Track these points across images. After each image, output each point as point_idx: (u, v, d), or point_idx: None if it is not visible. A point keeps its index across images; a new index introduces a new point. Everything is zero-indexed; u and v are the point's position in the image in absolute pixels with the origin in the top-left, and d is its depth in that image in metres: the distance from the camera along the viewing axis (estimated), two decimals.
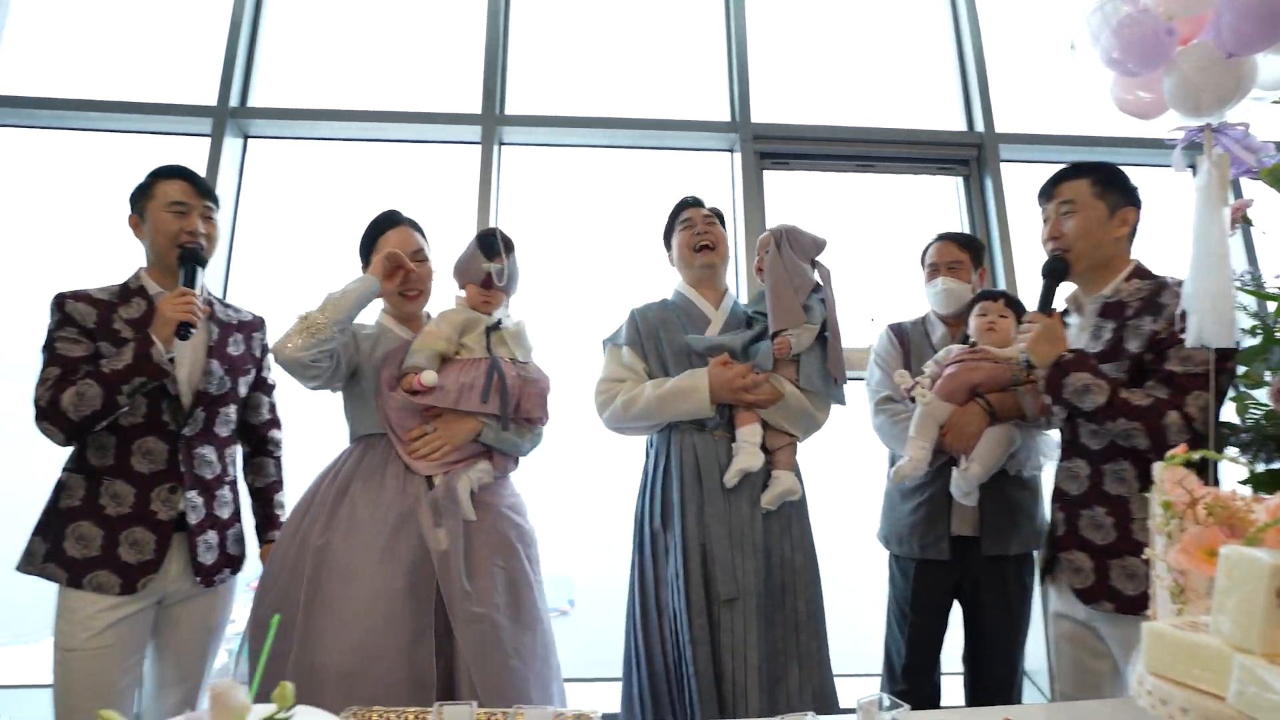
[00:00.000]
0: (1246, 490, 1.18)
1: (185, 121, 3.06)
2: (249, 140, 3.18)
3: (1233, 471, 1.46)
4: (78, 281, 1.75)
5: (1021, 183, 3.23)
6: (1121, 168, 1.66)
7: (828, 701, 1.78)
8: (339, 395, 1.85)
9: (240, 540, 1.87)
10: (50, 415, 1.56)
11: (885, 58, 3.50)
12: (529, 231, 3.20)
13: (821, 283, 2.00)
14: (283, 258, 3.18)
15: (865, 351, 3.06)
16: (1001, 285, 3.06)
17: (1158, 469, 0.82)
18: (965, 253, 2.22)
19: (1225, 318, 1.23)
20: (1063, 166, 1.70)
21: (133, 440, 1.66)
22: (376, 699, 1.34)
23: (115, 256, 1.89)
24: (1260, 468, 1.39)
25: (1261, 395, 1.37)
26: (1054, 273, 1.62)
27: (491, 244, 1.82)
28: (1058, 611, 1.67)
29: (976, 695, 2.00)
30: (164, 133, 3.11)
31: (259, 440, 1.98)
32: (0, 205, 3.09)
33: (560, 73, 3.31)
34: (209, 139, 2.99)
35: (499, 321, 1.82)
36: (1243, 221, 1.51)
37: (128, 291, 1.73)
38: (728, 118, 3.25)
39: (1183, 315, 1.33)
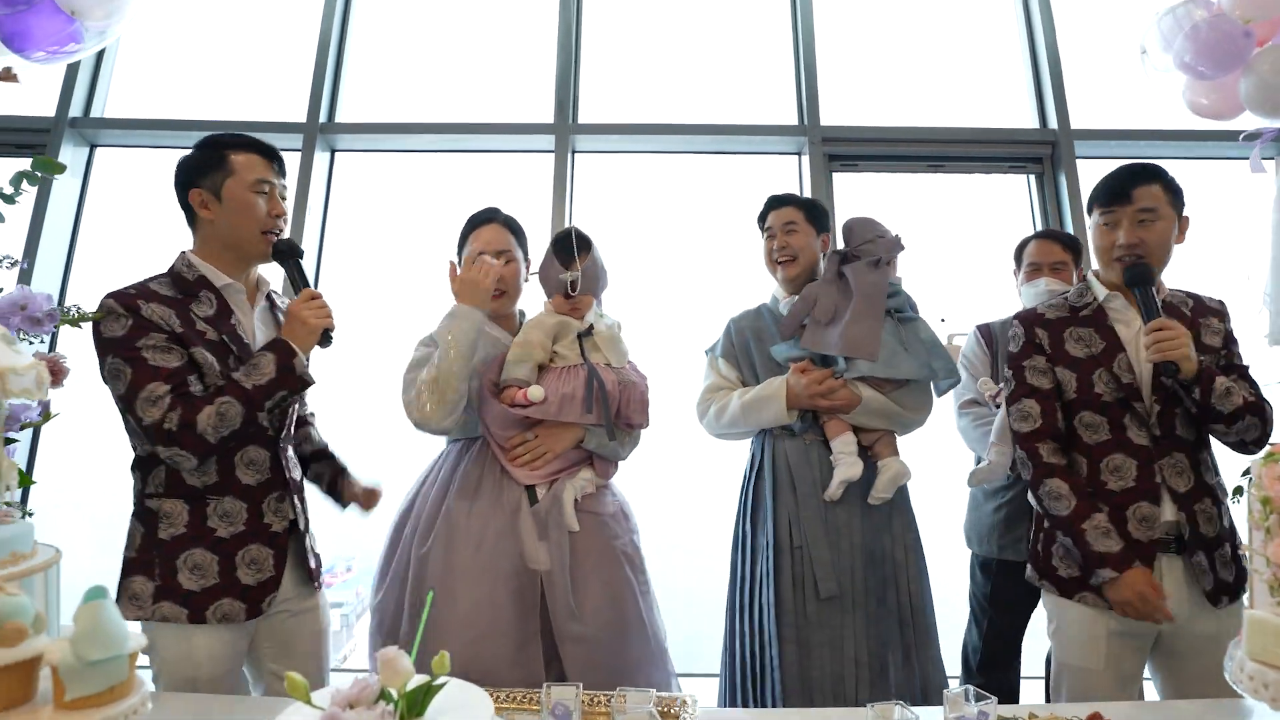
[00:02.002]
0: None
1: (278, 138, 3.25)
2: (335, 154, 3.36)
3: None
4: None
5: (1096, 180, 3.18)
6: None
7: (938, 694, 1.80)
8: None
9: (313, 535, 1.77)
10: (183, 440, 1.36)
11: (954, 56, 3.46)
12: (603, 236, 3.32)
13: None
14: (368, 265, 3.34)
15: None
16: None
17: (1256, 466, 0.84)
18: (1069, 253, 2.19)
19: None
20: (1124, 166, 1.65)
21: (235, 452, 1.48)
22: None
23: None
24: None
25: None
26: (1145, 279, 1.58)
27: (567, 250, 1.75)
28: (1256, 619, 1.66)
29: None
30: None
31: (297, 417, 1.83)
32: (101, 220, 3.30)
33: (630, 81, 3.38)
34: (299, 153, 3.19)
35: (591, 326, 1.79)
36: None
37: (186, 283, 1.50)
38: (795, 121, 3.28)
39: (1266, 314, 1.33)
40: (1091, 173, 3.22)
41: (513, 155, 3.34)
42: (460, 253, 1.86)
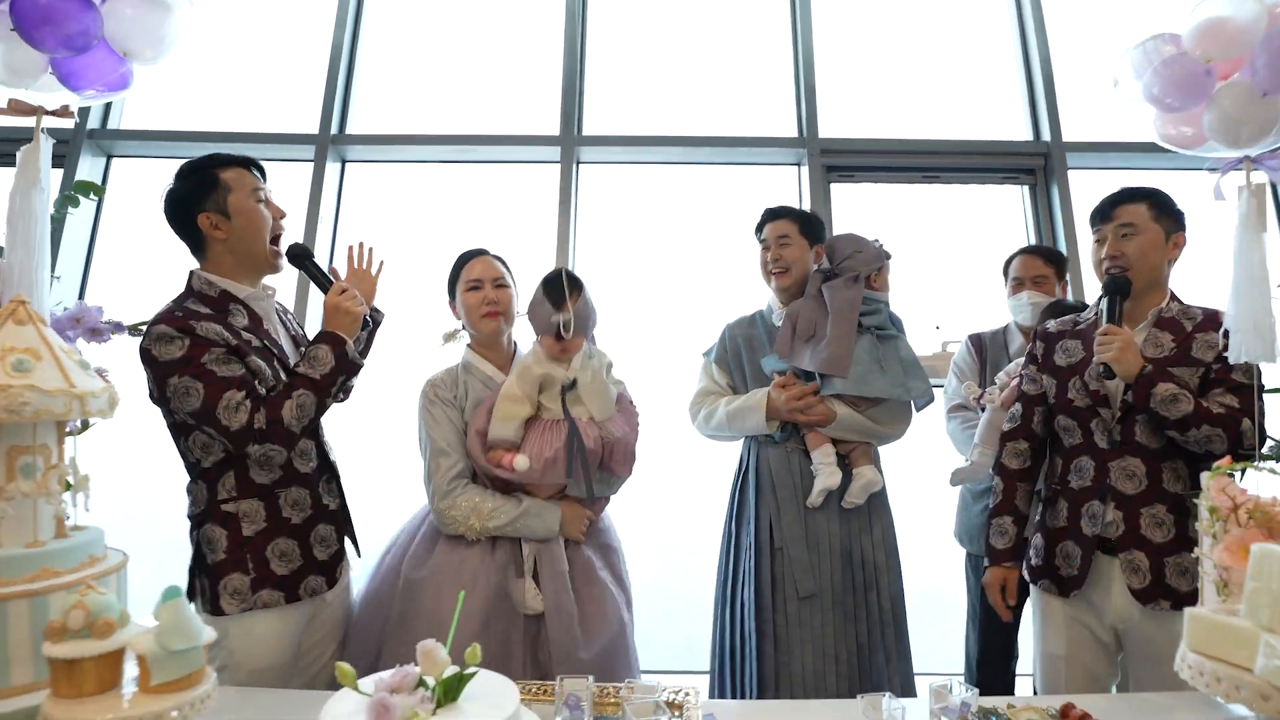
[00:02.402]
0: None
1: (292, 149, 3.35)
2: (346, 164, 3.45)
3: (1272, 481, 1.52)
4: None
5: (1089, 191, 3.25)
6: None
7: (913, 689, 1.91)
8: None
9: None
10: (274, 434, 1.47)
11: (949, 69, 3.55)
12: (606, 244, 3.43)
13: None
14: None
15: (931, 358, 3.17)
16: (1070, 294, 3.10)
17: (1205, 478, 0.93)
18: (1050, 267, 2.31)
19: (1266, 336, 1.32)
20: (1115, 191, 1.75)
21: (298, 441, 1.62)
22: None
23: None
24: None
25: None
26: (1119, 290, 1.69)
27: (558, 292, 1.74)
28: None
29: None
30: (272, 159, 3.40)
31: None
32: (118, 229, 3.39)
33: (634, 94, 3.47)
34: (312, 164, 3.28)
35: (574, 381, 1.79)
36: None
37: (214, 301, 1.57)
38: (795, 133, 3.37)
39: (1226, 334, 1.41)
40: (1083, 184, 3.32)
41: (519, 166, 3.43)
42: (452, 290, 1.94)
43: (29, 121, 1.34)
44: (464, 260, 1.94)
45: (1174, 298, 1.70)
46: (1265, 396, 1.55)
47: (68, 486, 0.88)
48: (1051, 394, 1.77)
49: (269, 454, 1.50)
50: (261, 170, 1.65)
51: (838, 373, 1.92)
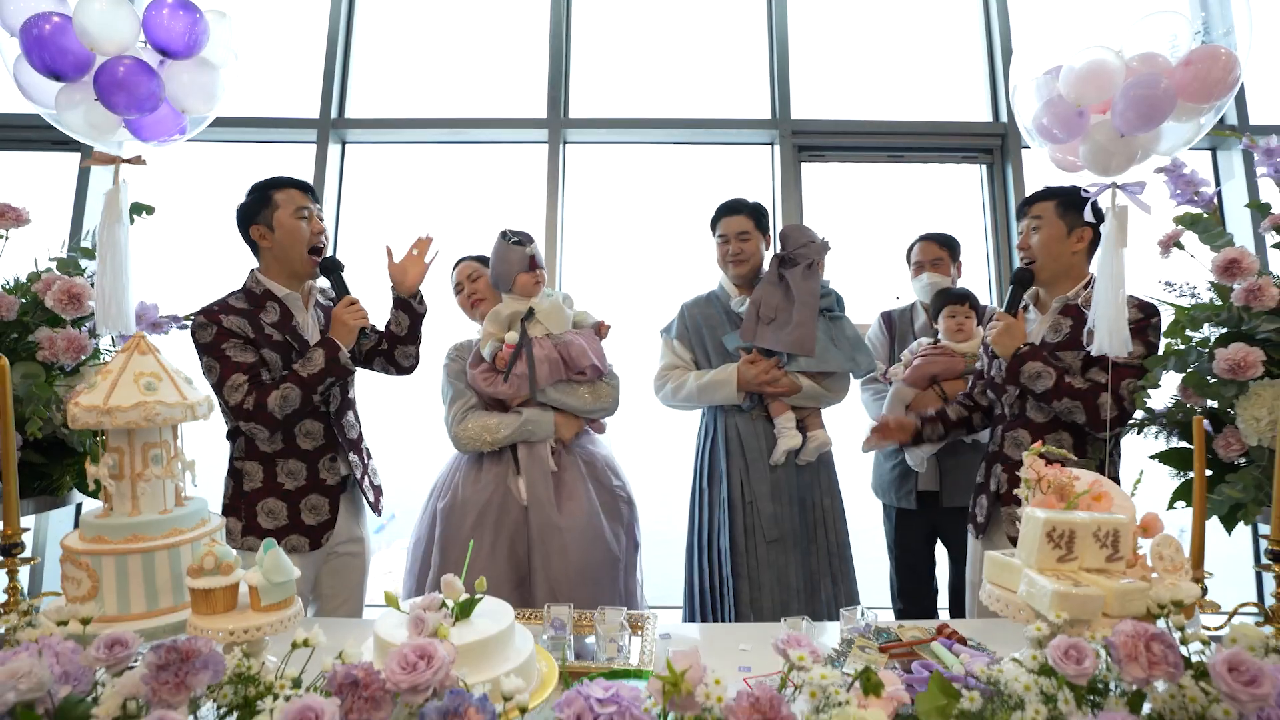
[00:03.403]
0: (1148, 466, 1.62)
1: (294, 133, 3.57)
2: (346, 146, 3.68)
3: (1140, 447, 1.82)
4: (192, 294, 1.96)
5: (1042, 171, 3.49)
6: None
7: (856, 603, 2.28)
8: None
9: (377, 472, 2.17)
10: (257, 416, 1.77)
11: (917, 53, 3.73)
12: (592, 221, 3.68)
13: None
14: (378, 248, 3.67)
15: None
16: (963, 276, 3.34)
17: (1025, 455, 1.25)
18: (944, 250, 2.61)
19: (1119, 334, 1.61)
20: (1035, 191, 2.01)
21: (294, 424, 1.89)
22: None
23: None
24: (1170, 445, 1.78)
25: (1157, 393, 1.73)
26: (1021, 281, 1.97)
27: (516, 233, 2.11)
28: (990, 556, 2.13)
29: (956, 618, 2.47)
30: (277, 142, 3.63)
31: (385, 350, 2.17)
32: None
33: (617, 79, 3.67)
34: (314, 146, 3.51)
35: (530, 310, 2.12)
36: (1175, 246, 1.84)
37: (255, 297, 1.89)
38: (769, 115, 3.59)
39: (1089, 331, 1.70)
40: (1036, 163, 3.57)
41: (509, 147, 3.66)
42: (455, 285, 2.30)
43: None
44: (459, 263, 2.32)
45: (1091, 285, 1.88)
46: (1159, 380, 1.80)
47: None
48: (987, 370, 2.07)
49: (254, 430, 1.81)
50: (311, 192, 1.95)
51: (805, 353, 2.25)
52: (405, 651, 0.82)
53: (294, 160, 3.53)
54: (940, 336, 2.43)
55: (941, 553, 2.59)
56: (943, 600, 2.62)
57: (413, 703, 0.80)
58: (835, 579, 2.28)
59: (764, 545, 2.22)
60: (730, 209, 2.40)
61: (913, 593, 2.54)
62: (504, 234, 2.14)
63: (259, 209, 1.90)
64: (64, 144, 3.34)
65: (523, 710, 0.85)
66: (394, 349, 2.09)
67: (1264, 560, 1.18)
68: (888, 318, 2.71)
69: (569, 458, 2.13)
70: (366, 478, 2.08)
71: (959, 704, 0.84)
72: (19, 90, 1.54)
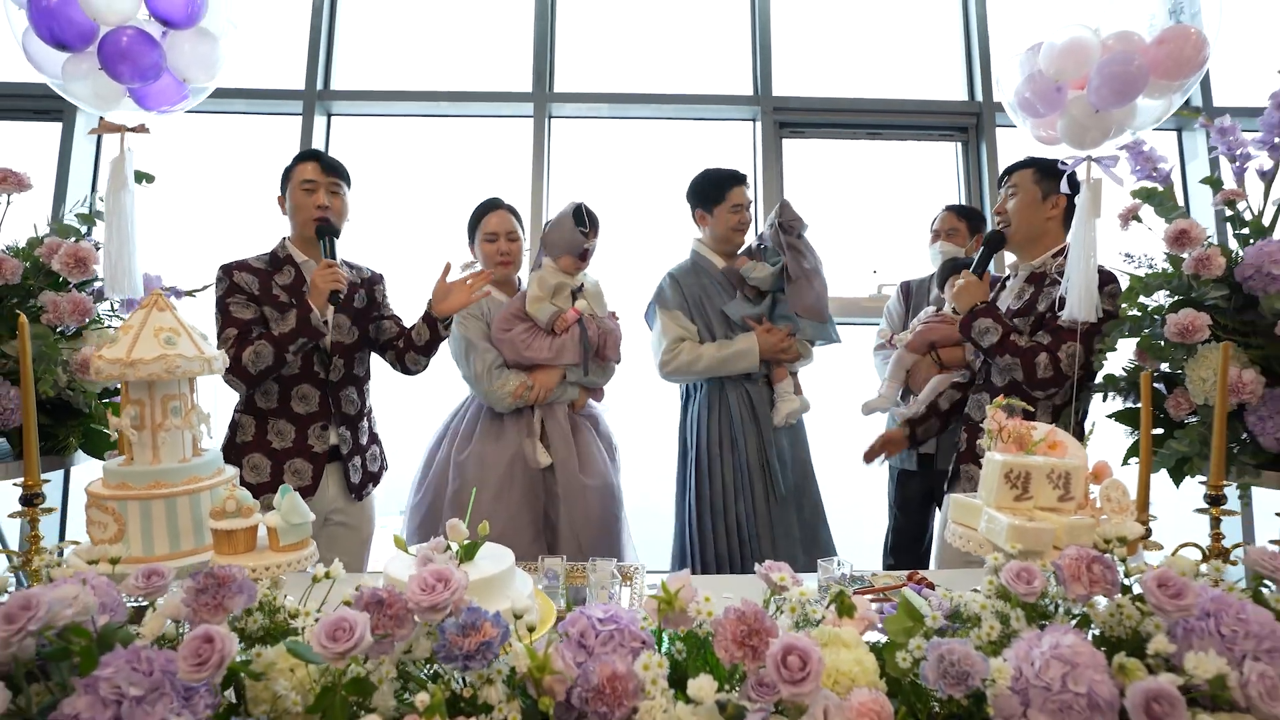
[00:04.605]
0: (1104, 424, 1.73)
1: (280, 104, 3.57)
2: (332, 118, 3.69)
3: (1104, 410, 1.92)
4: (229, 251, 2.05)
5: (1015, 149, 3.59)
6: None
7: (827, 550, 2.44)
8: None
9: (377, 458, 2.21)
10: (234, 370, 1.85)
11: (896, 32, 3.81)
12: (577, 193, 3.70)
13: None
14: (365, 218, 3.70)
15: (867, 300, 3.58)
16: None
17: (988, 408, 1.35)
18: (962, 221, 2.70)
19: (1089, 299, 1.71)
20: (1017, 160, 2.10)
21: (291, 387, 1.98)
22: None
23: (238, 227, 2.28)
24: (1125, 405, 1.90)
25: (1114, 356, 1.84)
26: (991, 242, 2.06)
27: (588, 223, 2.25)
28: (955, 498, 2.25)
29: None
30: (263, 113, 3.62)
31: (399, 348, 2.19)
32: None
33: (602, 54, 3.70)
34: (300, 117, 3.51)
35: (581, 285, 2.31)
36: (1134, 219, 1.94)
37: (277, 260, 2.03)
38: (750, 91, 3.66)
39: (1062, 297, 1.79)
40: (1009, 141, 3.67)
41: (496, 120, 3.69)
42: (472, 236, 2.34)
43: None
44: (483, 211, 2.33)
45: (1065, 253, 1.91)
46: (1115, 344, 1.89)
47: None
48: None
49: (231, 383, 1.91)
50: (325, 166, 2.07)
51: (821, 319, 2.41)
52: (424, 575, 0.90)
53: (280, 132, 3.54)
54: (942, 305, 2.51)
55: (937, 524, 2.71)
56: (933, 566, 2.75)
57: (432, 620, 0.88)
58: (827, 528, 2.47)
59: (762, 502, 2.35)
60: (740, 179, 2.46)
61: (905, 550, 2.65)
62: (578, 212, 2.26)
63: (285, 182, 2.07)
64: (44, 114, 3.33)
65: (531, 629, 0.94)
66: (407, 352, 2.12)
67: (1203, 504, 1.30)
68: (905, 287, 2.79)
69: (581, 420, 2.33)
70: (359, 456, 2.10)
71: (924, 625, 0.94)
72: (28, 60, 1.57)
